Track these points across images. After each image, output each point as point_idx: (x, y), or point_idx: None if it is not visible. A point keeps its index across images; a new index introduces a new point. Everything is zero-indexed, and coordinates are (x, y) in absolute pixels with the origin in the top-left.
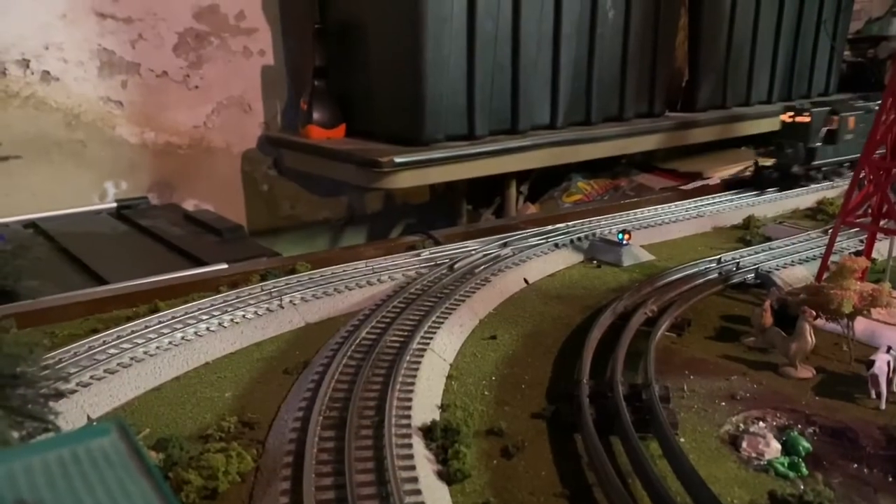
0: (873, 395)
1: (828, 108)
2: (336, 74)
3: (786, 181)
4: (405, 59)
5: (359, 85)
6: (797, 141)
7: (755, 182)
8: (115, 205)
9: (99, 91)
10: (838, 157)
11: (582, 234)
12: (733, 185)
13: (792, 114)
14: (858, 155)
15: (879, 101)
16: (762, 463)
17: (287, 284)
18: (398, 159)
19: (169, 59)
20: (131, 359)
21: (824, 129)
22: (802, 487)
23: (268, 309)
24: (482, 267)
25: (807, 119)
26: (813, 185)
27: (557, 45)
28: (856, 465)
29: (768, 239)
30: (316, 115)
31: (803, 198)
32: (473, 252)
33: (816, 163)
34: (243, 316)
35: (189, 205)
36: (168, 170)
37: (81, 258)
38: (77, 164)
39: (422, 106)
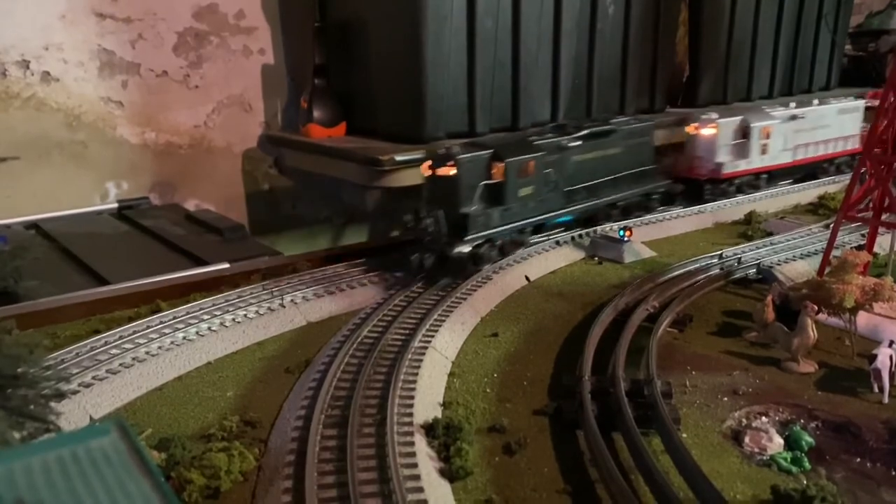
0: (876, 390)
1: (487, 152)
2: (336, 73)
3: (444, 269)
4: (405, 56)
5: (359, 83)
6: (442, 205)
7: (406, 267)
8: (116, 205)
9: (99, 91)
10: (513, 221)
11: (583, 231)
12: (378, 266)
13: (430, 163)
14: (548, 215)
15: (591, 128)
16: (765, 458)
17: (288, 283)
18: (399, 157)
19: (169, 58)
20: (133, 359)
21: (483, 185)
22: (805, 482)
23: (269, 308)
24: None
25: (451, 171)
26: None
27: (557, 42)
28: (859, 460)
29: (770, 234)
30: (316, 114)
31: (805, 193)
32: None
33: (474, 235)
34: (245, 315)
35: (190, 204)
36: (169, 170)
37: (83, 259)
38: (78, 165)
39: (422, 104)
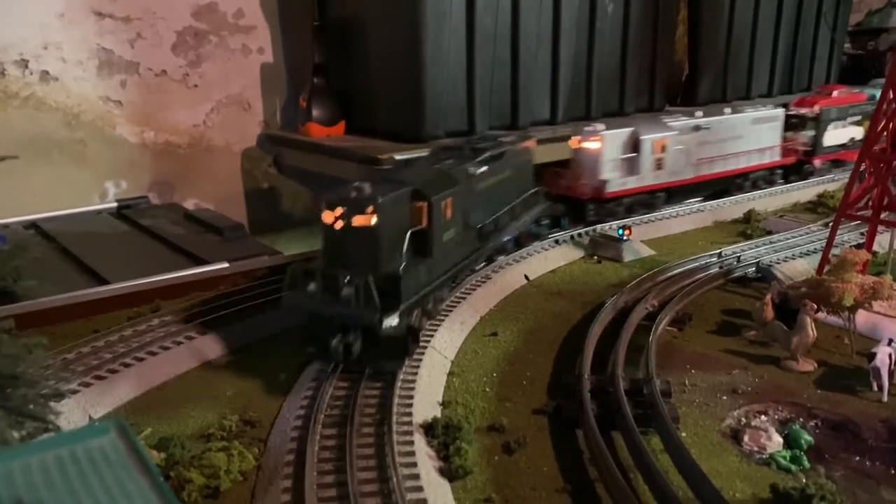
0: (875, 388)
1: (407, 190)
2: (335, 72)
3: (377, 353)
4: (405, 55)
5: (358, 82)
6: (359, 266)
7: (326, 357)
8: (115, 204)
9: (98, 90)
10: (437, 276)
11: (582, 230)
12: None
13: (341, 211)
14: (464, 261)
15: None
16: (764, 456)
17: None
18: (398, 156)
19: (168, 57)
20: (133, 358)
21: (410, 233)
22: (804, 480)
23: (269, 307)
24: (482, 264)
25: (371, 219)
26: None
27: (557, 40)
28: (858, 458)
29: (769, 233)
30: (315, 113)
31: (804, 191)
32: None
33: (408, 303)
34: (244, 314)
35: (189, 204)
36: (168, 169)
37: (82, 258)
38: (77, 164)
39: (422, 102)
